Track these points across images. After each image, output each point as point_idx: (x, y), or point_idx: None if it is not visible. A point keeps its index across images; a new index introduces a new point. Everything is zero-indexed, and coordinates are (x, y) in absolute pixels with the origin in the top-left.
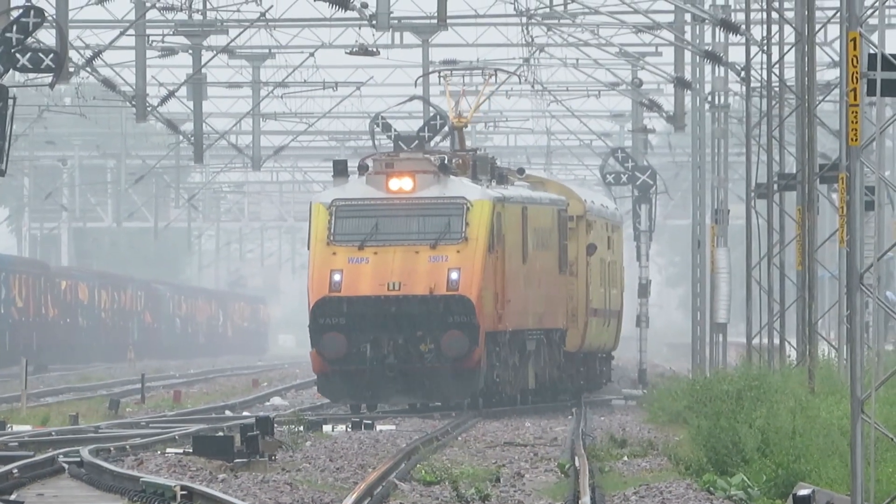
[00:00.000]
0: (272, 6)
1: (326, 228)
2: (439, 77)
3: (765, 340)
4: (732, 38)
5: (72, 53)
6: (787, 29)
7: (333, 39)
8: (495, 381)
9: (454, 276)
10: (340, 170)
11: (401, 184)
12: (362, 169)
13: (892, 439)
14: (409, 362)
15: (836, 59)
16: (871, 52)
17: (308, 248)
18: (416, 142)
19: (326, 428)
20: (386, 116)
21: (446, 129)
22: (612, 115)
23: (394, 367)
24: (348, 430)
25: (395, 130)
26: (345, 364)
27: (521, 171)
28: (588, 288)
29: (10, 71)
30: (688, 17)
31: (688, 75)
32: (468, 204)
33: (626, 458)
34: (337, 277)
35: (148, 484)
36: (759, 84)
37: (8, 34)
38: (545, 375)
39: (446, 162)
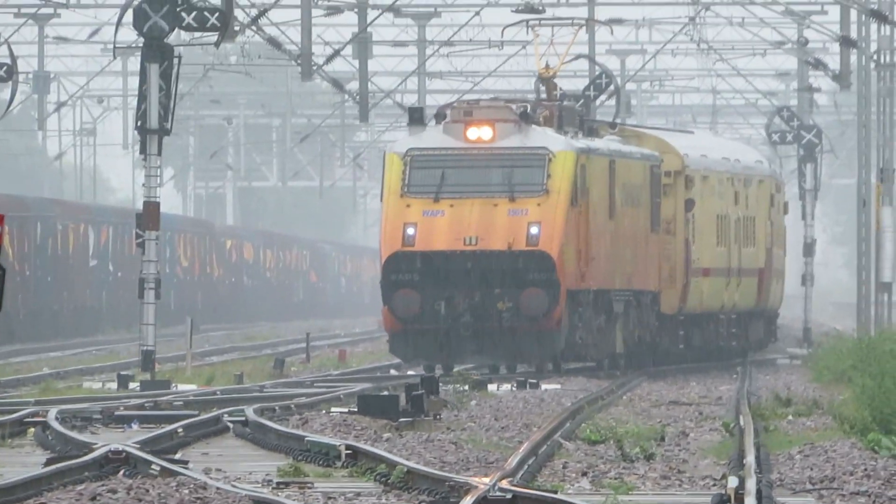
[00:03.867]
0: None
1: (401, 179)
2: (527, 27)
3: None
4: None
5: (237, 12)
6: None
7: None
8: (577, 342)
9: (534, 230)
10: (417, 118)
11: (480, 133)
12: (440, 117)
13: None
14: (485, 321)
15: None
16: None
17: (381, 201)
18: (582, 101)
19: (491, 387)
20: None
21: (611, 88)
22: (778, 73)
23: (469, 327)
24: (513, 389)
25: (560, 89)
26: (418, 323)
27: (613, 124)
28: (689, 246)
29: (176, 30)
30: None
31: (853, 34)
32: (550, 155)
33: (790, 418)
34: (411, 231)
35: (313, 443)
36: None
37: None
38: (634, 339)
39: (528, 111)
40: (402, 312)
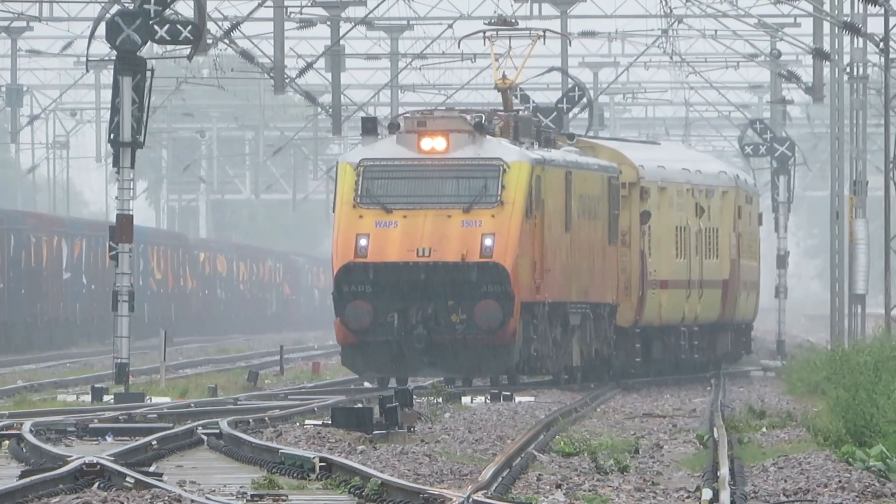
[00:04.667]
0: None
1: (353, 190)
2: (484, 38)
3: None
4: (871, 8)
5: (210, 25)
6: None
7: (472, 10)
8: (533, 355)
9: (488, 242)
10: (370, 127)
11: (433, 143)
12: (393, 127)
13: None
14: (439, 334)
15: None
16: None
17: (333, 211)
18: (555, 113)
19: (465, 399)
20: (524, 88)
21: (584, 101)
22: (751, 86)
23: (423, 339)
24: (487, 401)
25: (533, 102)
26: (371, 335)
27: (570, 135)
28: (645, 258)
29: (149, 43)
30: None
31: (826, 46)
32: (505, 166)
33: (764, 430)
34: (363, 242)
35: (287, 455)
36: None
37: (146, 6)
38: (591, 352)
39: (483, 121)
40: (354, 325)
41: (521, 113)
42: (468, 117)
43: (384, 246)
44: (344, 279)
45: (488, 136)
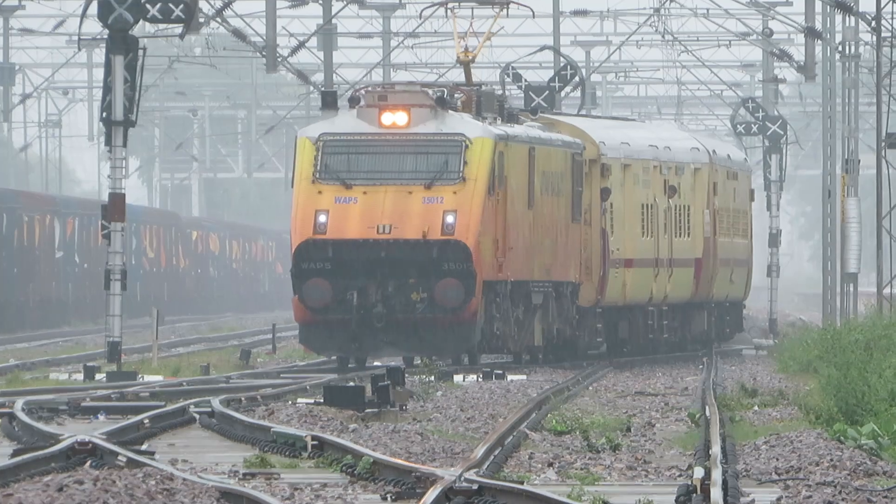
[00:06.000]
0: None
1: (312, 165)
2: (446, 10)
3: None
4: None
5: (202, 4)
6: None
7: None
8: (494, 334)
9: (450, 219)
10: (330, 101)
11: (394, 118)
12: (353, 101)
13: None
14: (399, 312)
15: None
16: None
17: (292, 187)
18: (547, 92)
19: (457, 378)
20: (516, 67)
21: (577, 80)
22: (743, 65)
23: (382, 318)
24: (479, 379)
25: (525, 81)
26: (329, 313)
27: (533, 110)
28: (606, 237)
29: (141, 21)
30: None
31: (818, 25)
32: (467, 141)
33: (756, 408)
34: (322, 219)
35: (279, 434)
36: (889, 34)
37: None
38: (553, 332)
39: (445, 96)
40: (312, 302)
41: (483, 88)
42: (430, 91)
43: (344, 222)
44: (302, 256)
45: (450, 111)
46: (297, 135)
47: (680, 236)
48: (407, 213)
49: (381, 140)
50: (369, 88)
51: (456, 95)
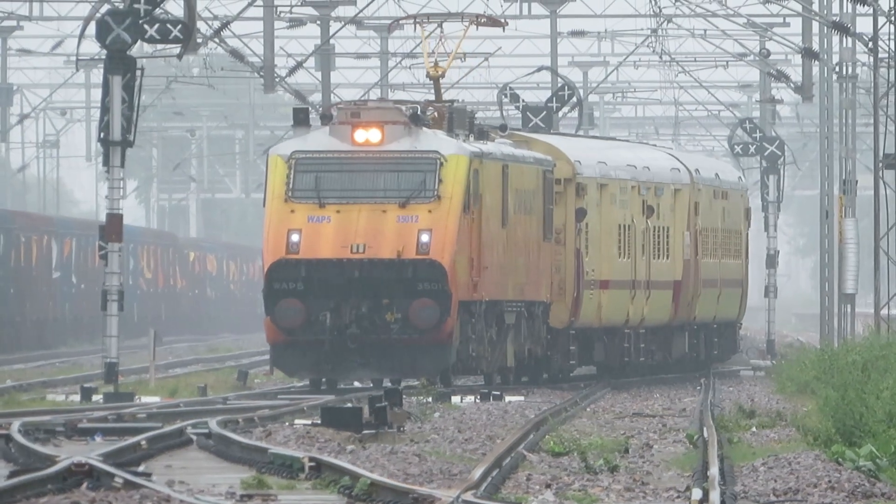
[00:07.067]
0: None
1: (284, 183)
2: (415, 24)
3: (893, 311)
4: (860, 8)
5: (200, 24)
6: None
7: (462, 9)
8: (470, 355)
9: (425, 238)
10: (301, 119)
11: (367, 135)
12: (326, 118)
13: None
14: (373, 333)
15: None
16: None
17: (264, 206)
18: (544, 112)
19: (455, 399)
20: (514, 87)
21: (574, 100)
22: (740, 85)
23: (356, 339)
24: (477, 400)
25: (522, 101)
26: (302, 334)
27: (503, 127)
28: (581, 258)
29: (139, 42)
30: None
31: (816, 46)
32: (442, 159)
33: (754, 429)
34: (295, 238)
35: (276, 455)
36: (886, 55)
37: (136, 5)
38: (524, 352)
39: (419, 112)
40: (284, 323)
41: (454, 104)
42: (403, 108)
43: (316, 242)
44: (275, 276)
45: (424, 129)
46: (269, 153)
47: (658, 258)
48: (381, 232)
49: (355, 158)
50: (341, 105)
51: (428, 112)
